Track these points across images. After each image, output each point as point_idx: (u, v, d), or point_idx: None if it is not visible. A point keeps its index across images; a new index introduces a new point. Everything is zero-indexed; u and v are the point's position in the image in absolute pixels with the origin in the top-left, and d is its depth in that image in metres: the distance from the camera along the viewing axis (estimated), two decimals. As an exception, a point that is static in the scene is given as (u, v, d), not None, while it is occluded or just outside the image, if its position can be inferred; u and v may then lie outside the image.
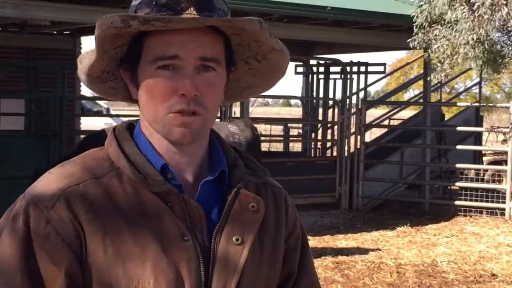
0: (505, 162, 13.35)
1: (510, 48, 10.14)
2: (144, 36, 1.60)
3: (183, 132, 1.58)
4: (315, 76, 16.28)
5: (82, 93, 15.26)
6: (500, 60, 9.78)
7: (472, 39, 9.11)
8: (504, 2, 8.99)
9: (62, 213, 1.54)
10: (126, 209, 1.57)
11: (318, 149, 16.47)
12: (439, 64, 10.25)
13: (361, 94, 15.19)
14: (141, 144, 1.65)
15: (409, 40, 10.37)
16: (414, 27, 10.33)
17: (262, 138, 19.84)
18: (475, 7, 9.09)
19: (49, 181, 1.60)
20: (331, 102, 15.67)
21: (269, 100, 56.91)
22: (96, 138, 8.28)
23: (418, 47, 10.53)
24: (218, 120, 13.80)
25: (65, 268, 1.53)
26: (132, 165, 1.61)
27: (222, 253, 1.61)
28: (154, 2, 1.58)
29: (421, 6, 10.27)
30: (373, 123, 16.30)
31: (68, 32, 14.56)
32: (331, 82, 15.83)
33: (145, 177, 1.59)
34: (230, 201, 1.65)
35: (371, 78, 16.40)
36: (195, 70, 1.58)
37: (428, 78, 12.45)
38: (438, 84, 16.57)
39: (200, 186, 1.63)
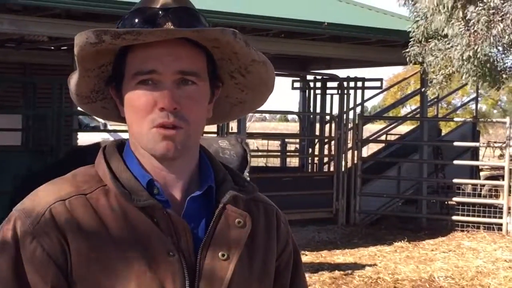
0: (502, 177, 13.36)
1: (507, 64, 10.17)
2: (126, 53, 1.61)
3: (166, 145, 1.58)
4: (312, 91, 16.29)
5: (79, 108, 15.23)
6: (496, 76, 9.80)
7: (469, 55, 9.14)
8: (500, 19, 9.03)
9: (47, 228, 1.56)
10: (111, 225, 1.58)
11: (315, 164, 16.46)
12: (434, 77, 10.29)
13: (358, 109, 15.20)
14: (129, 161, 1.66)
15: (404, 51, 10.40)
16: (411, 41, 10.38)
17: (259, 153, 19.92)
18: (471, 23, 9.13)
19: (37, 197, 1.62)
20: (328, 117, 15.66)
21: (266, 115, 56.95)
22: (85, 151, 8.29)
23: (413, 61, 10.56)
24: (214, 135, 13.83)
25: (51, 283, 1.55)
26: (118, 181, 1.62)
27: (207, 268, 1.61)
28: (135, 19, 1.61)
29: (417, 21, 10.32)
30: (370, 138, 16.31)
31: (65, 47, 14.59)
32: (328, 97, 15.85)
33: (130, 193, 1.60)
34: (216, 217, 1.65)
35: (368, 93, 16.46)
36: (174, 84, 1.58)
37: (423, 89, 12.47)
38: (435, 99, 16.61)
39: (186, 202, 1.64)
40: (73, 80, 1.67)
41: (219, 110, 1.75)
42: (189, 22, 1.61)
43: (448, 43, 9.61)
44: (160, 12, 1.60)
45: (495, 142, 15.43)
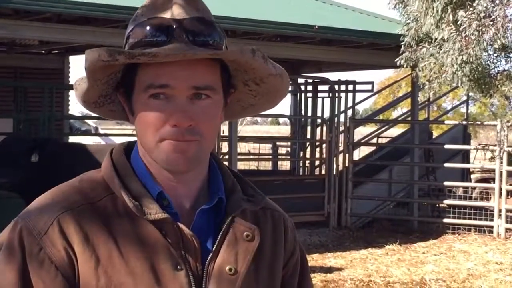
0: (493, 179, 13.40)
1: (499, 68, 10.20)
2: (137, 64, 1.57)
3: (178, 159, 1.56)
4: (303, 94, 16.31)
5: (70, 112, 15.24)
6: (488, 81, 9.81)
7: (462, 60, 9.15)
8: (491, 23, 9.05)
9: (55, 239, 1.54)
10: (120, 236, 1.57)
11: (306, 168, 16.47)
12: (427, 83, 10.29)
13: (349, 112, 15.23)
14: (138, 169, 1.64)
15: (397, 59, 10.42)
16: (402, 45, 10.39)
17: (251, 156, 19.92)
18: (462, 28, 9.15)
19: (43, 205, 1.59)
20: (319, 121, 15.68)
21: (258, 118, 56.99)
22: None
23: (405, 65, 10.58)
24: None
25: None
26: (128, 191, 1.59)
27: (215, 282, 1.60)
28: (148, 27, 1.58)
29: (407, 24, 10.33)
30: (362, 141, 16.33)
31: (56, 51, 14.58)
32: (319, 100, 15.87)
33: (140, 205, 1.57)
34: (224, 230, 1.63)
35: (359, 96, 16.46)
36: (188, 99, 1.55)
37: (418, 98, 12.47)
38: (426, 102, 16.64)
39: (196, 215, 1.62)
40: (81, 88, 1.63)
41: (230, 111, 1.73)
42: (204, 33, 1.58)
43: (440, 48, 9.63)
44: (174, 25, 1.56)
45: (486, 144, 15.45)
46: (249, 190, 1.73)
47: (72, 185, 1.64)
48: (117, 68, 1.61)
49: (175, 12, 1.59)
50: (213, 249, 1.62)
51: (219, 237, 1.63)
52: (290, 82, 16.36)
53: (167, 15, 1.59)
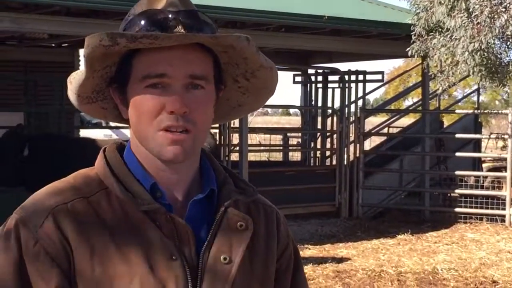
0: (504, 168, 13.35)
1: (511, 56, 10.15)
2: (132, 55, 1.60)
3: (174, 150, 1.58)
4: (313, 85, 16.28)
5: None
6: (500, 69, 9.75)
7: (474, 47, 9.10)
8: (503, 10, 9.00)
9: (50, 232, 1.56)
10: (114, 228, 1.59)
11: (317, 158, 16.46)
12: (440, 75, 10.25)
13: (360, 102, 15.19)
14: (131, 163, 1.66)
15: (408, 49, 10.39)
16: (412, 35, 10.35)
17: (262, 147, 19.93)
18: (474, 15, 9.10)
19: (38, 200, 1.62)
20: (330, 111, 15.67)
21: (269, 109, 56.83)
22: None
23: (416, 56, 10.55)
24: (216, 130, 13.82)
25: (55, 287, 1.55)
26: (120, 184, 1.62)
27: (210, 272, 1.61)
28: (143, 21, 1.60)
29: (418, 13, 10.28)
30: (372, 131, 16.29)
31: (66, 44, 14.60)
32: (330, 91, 15.84)
33: (133, 196, 1.60)
34: (218, 220, 1.65)
35: (370, 86, 16.44)
36: (184, 87, 1.58)
37: (434, 90, 12.41)
38: (437, 92, 16.59)
39: (189, 205, 1.64)
40: (77, 80, 1.65)
41: (219, 112, 1.75)
42: (199, 25, 1.61)
43: (450, 35, 9.57)
44: (170, 16, 1.59)
45: (498, 133, 15.40)
46: (240, 184, 1.76)
47: (66, 181, 1.67)
48: (113, 59, 1.63)
49: (169, 4, 1.61)
50: (207, 239, 1.64)
51: (213, 227, 1.65)
52: (300, 73, 16.45)
53: (161, 6, 1.61)
